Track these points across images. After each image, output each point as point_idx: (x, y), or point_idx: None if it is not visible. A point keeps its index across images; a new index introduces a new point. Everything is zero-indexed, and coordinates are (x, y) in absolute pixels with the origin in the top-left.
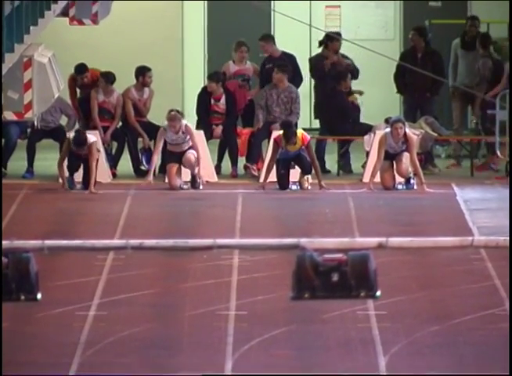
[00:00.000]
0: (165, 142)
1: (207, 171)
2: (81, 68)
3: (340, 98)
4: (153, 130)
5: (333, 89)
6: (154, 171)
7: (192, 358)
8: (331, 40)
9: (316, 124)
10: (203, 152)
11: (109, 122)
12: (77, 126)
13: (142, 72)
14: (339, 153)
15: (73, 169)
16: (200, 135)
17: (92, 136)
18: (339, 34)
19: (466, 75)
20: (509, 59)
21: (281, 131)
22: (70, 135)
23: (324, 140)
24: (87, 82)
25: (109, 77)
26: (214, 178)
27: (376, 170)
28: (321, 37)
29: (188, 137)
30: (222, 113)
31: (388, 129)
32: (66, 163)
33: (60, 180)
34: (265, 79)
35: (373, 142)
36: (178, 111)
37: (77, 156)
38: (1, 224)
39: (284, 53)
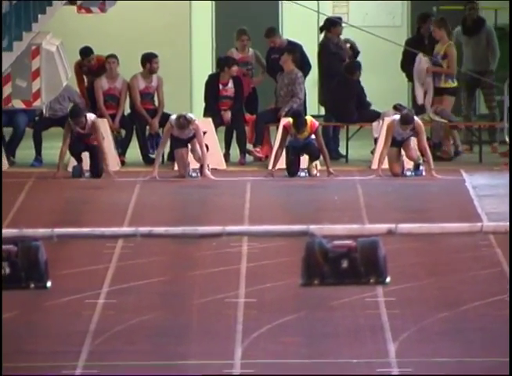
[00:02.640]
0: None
1: (216, 159)
2: (86, 50)
3: (355, 86)
4: (163, 118)
5: (347, 79)
6: (162, 159)
7: (201, 346)
8: (334, 25)
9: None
10: (211, 139)
11: (117, 109)
12: None
13: (149, 59)
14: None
15: (76, 153)
16: (208, 123)
17: (92, 114)
18: (340, 18)
19: (471, 61)
20: (509, 54)
21: (290, 119)
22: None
23: (331, 126)
24: (93, 66)
25: (117, 58)
26: (223, 166)
27: (384, 156)
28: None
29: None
30: (231, 96)
31: (397, 116)
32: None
33: (56, 169)
34: (271, 69)
35: (381, 129)
36: (185, 118)
37: (80, 139)
38: (0, 214)
39: (289, 42)
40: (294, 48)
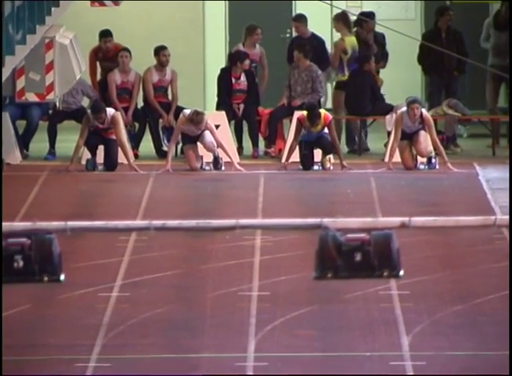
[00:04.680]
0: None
1: (229, 152)
2: (106, 32)
3: (369, 79)
4: (177, 112)
5: (359, 70)
6: (176, 152)
7: (214, 339)
8: (366, 20)
9: None
10: (225, 133)
11: (130, 102)
12: None
13: (157, 51)
14: (359, 133)
15: (92, 147)
16: (221, 116)
17: (112, 109)
18: (373, 13)
19: (499, 55)
20: (509, 53)
21: (305, 112)
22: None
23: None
24: (109, 52)
25: (129, 51)
26: (237, 159)
27: (394, 149)
28: (353, 18)
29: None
30: (244, 90)
31: (404, 109)
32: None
33: (70, 162)
34: (292, 58)
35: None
36: (198, 114)
37: (97, 133)
38: (1, 208)
39: (314, 35)
40: (303, 44)
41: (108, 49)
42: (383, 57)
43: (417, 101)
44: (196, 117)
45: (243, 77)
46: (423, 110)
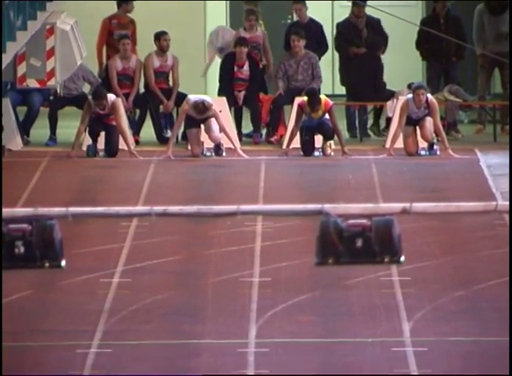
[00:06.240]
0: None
1: (232, 138)
2: None
3: (375, 63)
4: (178, 98)
5: (368, 55)
6: (176, 138)
7: (216, 325)
8: (355, 5)
9: (339, 90)
10: (225, 119)
11: (131, 88)
12: None
13: (158, 36)
14: (359, 119)
15: (93, 133)
16: (222, 102)
17: (113, 95)
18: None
19: (493, 41)
20: (509, 51)
21: (305, 98)
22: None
23: (353, 106)
24: (129, 10)
25: (129, 38)
26: (239, 145)
27: (397, 136)
28: (344, 3)
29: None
30: (246, 79)
31: (410, 95)
32: (86, 135)
33: (71, 148)
34: (290, 44)
35: (395, 108)
36: (204, 104)
37: (99, 119)
38: (1, 195)
39: (312, 20)
40: (301, 32)
41: (128, 10)
42: (378, 42)
43: (423, 86)
44: (203, 107)
45: (246, 66)
46: (429, 96)
